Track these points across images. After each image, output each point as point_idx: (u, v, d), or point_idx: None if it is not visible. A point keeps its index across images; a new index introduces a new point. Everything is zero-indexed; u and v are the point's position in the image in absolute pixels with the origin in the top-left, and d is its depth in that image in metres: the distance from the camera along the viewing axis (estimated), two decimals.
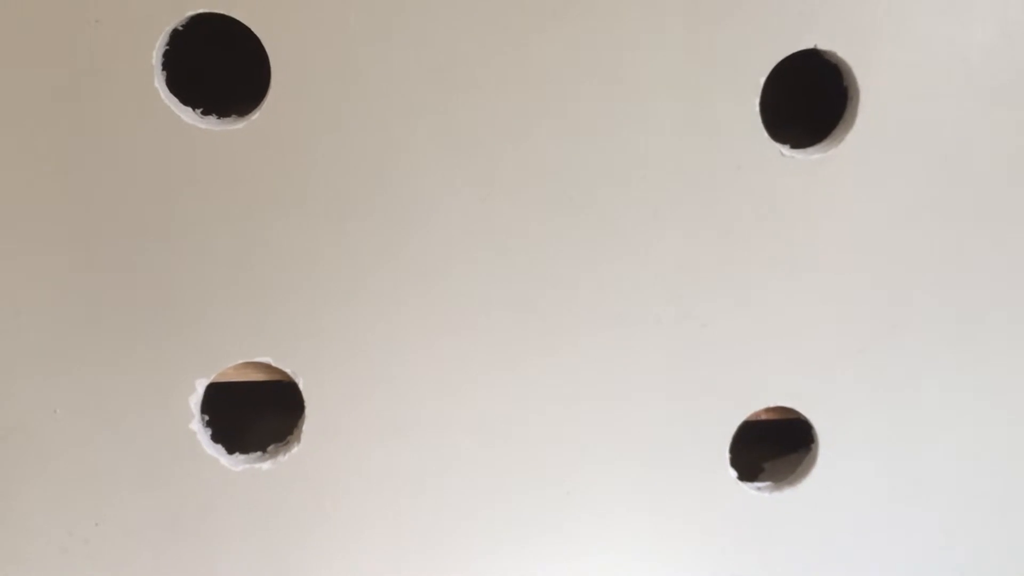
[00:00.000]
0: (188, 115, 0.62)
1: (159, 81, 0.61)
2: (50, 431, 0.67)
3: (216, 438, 0.71)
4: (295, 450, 0.70)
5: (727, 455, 0.74)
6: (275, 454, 0.71)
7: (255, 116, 0.62)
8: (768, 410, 0.74)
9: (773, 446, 0.82)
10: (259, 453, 0.71)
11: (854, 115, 0.66)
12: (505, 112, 0.64)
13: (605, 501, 0.74)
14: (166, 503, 0.70)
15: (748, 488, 0.76)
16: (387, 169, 0.64)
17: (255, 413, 0.78)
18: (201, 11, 0.59)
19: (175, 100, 0.62)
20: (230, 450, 0.71)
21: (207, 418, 0.70)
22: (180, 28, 0.61)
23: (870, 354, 0.73)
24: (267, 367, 0.68)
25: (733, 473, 0.75)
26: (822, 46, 0.64)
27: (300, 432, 0.69)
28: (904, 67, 0.66)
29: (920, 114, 0.67)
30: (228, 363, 0.67)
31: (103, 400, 0.67)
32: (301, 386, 0.68)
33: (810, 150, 0.68)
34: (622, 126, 0.65)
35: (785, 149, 0.67)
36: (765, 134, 0.66)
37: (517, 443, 0.72)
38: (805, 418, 0.74)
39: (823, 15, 0.64)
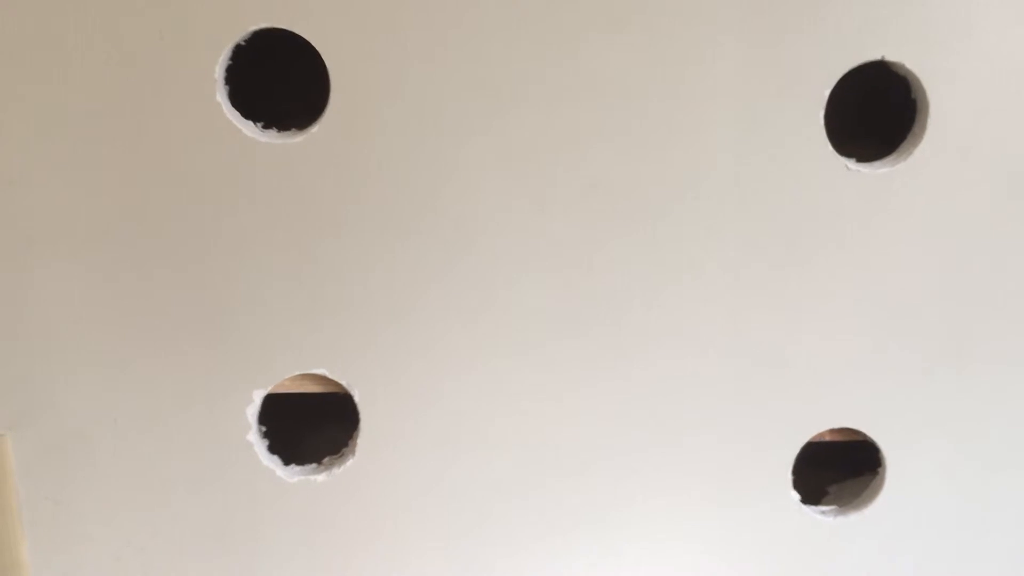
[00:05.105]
0: (249, 128, 0.63)
1: (221, 95, 0.62)
2: (110, 440, 0.68)
3: (272, 449, 0.71)
4: (350, 463, 0.70)
5: (790, 477, 0.72)
6: (330, 466, 0.71)
7: (314, 129, 0.62)
8: (833, 431, 0.71)
9: (839, 469, 0.79)
10: (314, 465, 0.72)
11: (923, 128, 0.65)
12: (561, 129, 0.63)
13: (661, 523, 0.73)
14: (221, 513, 0.71)
15: (812, 512, 0.74)
16: (442, 184, 0.64)
17: (311, 425, 0.79)
18: (264, 26, 0.60)
19: (236, 114, 0.63)
20: (286, 461, 0.71)
21: (264, 429, 0.70)
22: (243, 43, 0.61)
23: (939, 374, 0.70)
24: (323, 379, 0.68)
25: (796, 496, 0.73)
26: (890, 57, 0.63)
27: (355, 445, 0.70)
28: (974, 79, 0.64)
29: (990, 126, 0.65)
30: (285, 374, 0.68)
31: (162, 410, 0.68)
32: (356, 398, 0.69)
33: (876, 164, 0.66)
34: (681, 141, 0.64)
35: (851, 163, 0.65)
36: (830, 148, 0.64)
37: (571, 461, 0.71)
38: (872, 440, 0.72)
39: (891, 26, 0.62)
